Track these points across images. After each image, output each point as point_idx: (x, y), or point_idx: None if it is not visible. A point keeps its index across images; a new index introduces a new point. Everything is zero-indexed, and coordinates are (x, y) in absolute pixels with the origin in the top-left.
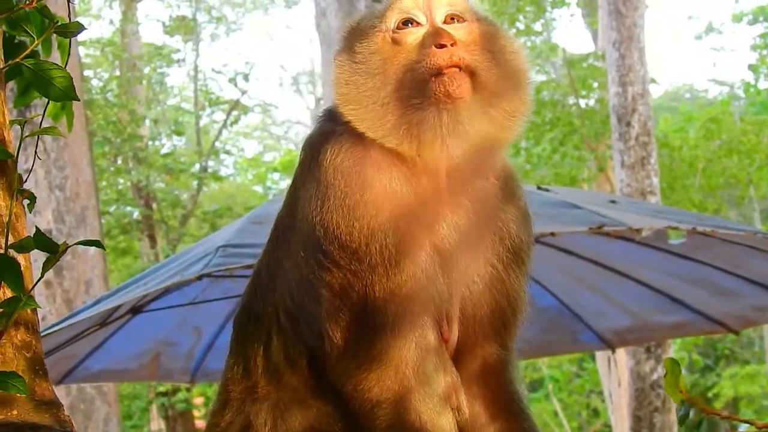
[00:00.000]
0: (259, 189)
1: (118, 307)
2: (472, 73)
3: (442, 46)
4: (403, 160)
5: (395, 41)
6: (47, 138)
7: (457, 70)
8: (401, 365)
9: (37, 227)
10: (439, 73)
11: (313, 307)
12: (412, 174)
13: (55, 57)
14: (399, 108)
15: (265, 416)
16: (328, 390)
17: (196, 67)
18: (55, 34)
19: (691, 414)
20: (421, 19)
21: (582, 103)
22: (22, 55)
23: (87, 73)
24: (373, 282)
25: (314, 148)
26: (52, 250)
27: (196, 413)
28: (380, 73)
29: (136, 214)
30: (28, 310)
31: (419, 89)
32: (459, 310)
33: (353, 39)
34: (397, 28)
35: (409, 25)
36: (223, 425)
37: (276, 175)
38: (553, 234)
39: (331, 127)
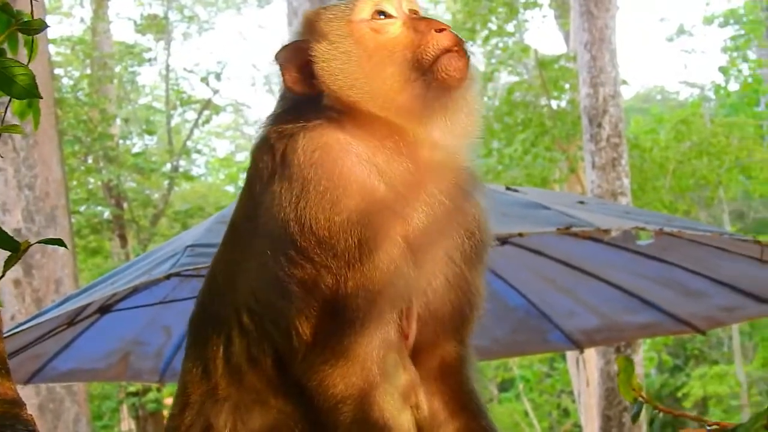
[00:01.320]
0: (230, 189)
1: (87, 306)
2: (467, 58)
3: (442, 30)
4: (383, 150)
5: (375, 30)
6: (17, 137)
7: (461, 50)
8: (367, 361)
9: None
10: (445, 51)
11: (282, 304)
12: (392, 167)
13: (23, 55)
14: (401, 88)
15: (225, 418)
16: (291, 390)
17: (167, 66)
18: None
19: (646, 412)
20: (392, 11)
21: (553, 104)
22: None
23: (58, 71)
24: (347, 277)
25: (279, 149)
26: (14, 248)
27: (166, 413)
28: (373, 59)
29: (106, 214)
30: None
31: (421, 70)
32: (420, 306)
33: (328, 29)
34: (372, 18)
35: (382, 16)
36: (183, 428)
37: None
38: (521, 234)
39: (293, 128)
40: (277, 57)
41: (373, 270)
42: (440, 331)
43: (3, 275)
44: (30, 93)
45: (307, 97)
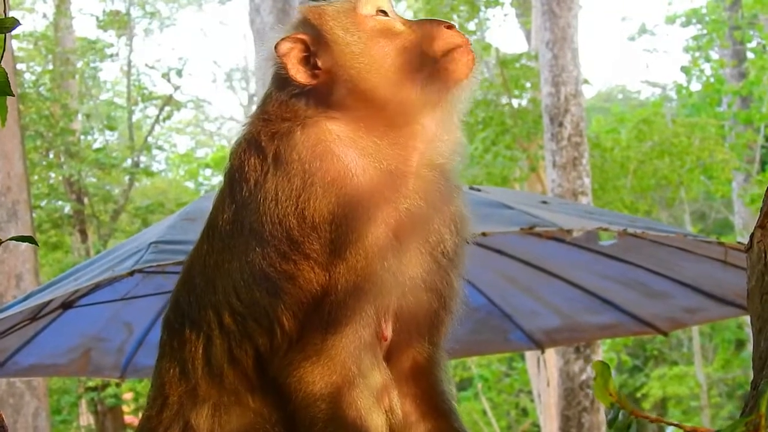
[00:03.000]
0: (190, 185)
1: (49, 302)
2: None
3: (451, 27)
4: (382, 144)
5: (382, 24)
6: None
7: (469, 46)
8: (348, 360)
9: None
10: (456, 47)
11: (268, 300)
12: (389, 161)
13: None
14: (410, 79)
15: (205, 419)
16: (269, 391)
17: (129, 62)
18: None
19: (620, 416)
20: (389, 11)
21: (515, 102)
22: None
23: (20, 66)
24: (339, 274)
25: (271, 149)
26: None
27: (125, 408)
28: (383, 50)
29: (67, 209)
30: None
31: (432, 62)
32: (397, 306)
33: (334, 22)
34: (376, 14)
35: (383, 14)
36: (162, 429)
37: (208, 171)
38: (484, 234)
39: (288, 126)
40: (277, 49)
41: (365, 265)
42: (414, 333)
43: None
44: (3, 91)
45: (300, 91)
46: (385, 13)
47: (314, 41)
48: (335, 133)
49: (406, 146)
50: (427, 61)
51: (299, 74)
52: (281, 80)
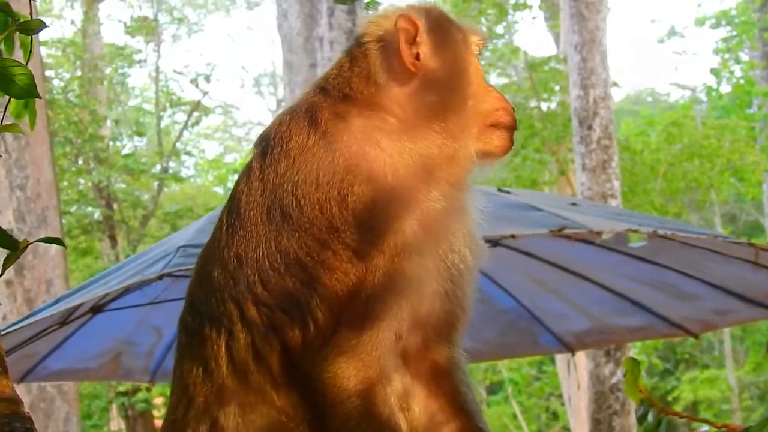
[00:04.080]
0: (219, 190)
1: (79, 306)
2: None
3: (509, 108)
4: (422, 154)
5: (479, 67)
6: (8, 137)
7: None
8: (383, 356)
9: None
10: (505, 127)
11: (301, 292)
12: (425, 167)
13: (18, 56)
14: (468, 120)
15: (232, 418)
16: (294, 388)
17: (157, 68)
18: (17, 33)
19: (650, 415)
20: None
21: (543, 106)
22: None
23: (48, 73)
24: (377, 267)
25: (324, 125)
26: (13, 247)
27: (156, 413)
28: (466, 82)
29: (97, 215)
30: None
31: (484, 122)
32: (416, 307)
33: (450, 32)
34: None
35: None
36: (189, 430)
37: (236, 177)
38: (513, 236)
39: (347, 107)
40: (398, 21)
41: (402, 261)
42: (432, 334)
43: (3, 273)
44: (29, 93)
45: (372, 74)
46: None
47: (427, 34)
48: (390, 128)
49: (442, 165)
50: (483, 119)
51: (407, 54)
52: (359, 56)
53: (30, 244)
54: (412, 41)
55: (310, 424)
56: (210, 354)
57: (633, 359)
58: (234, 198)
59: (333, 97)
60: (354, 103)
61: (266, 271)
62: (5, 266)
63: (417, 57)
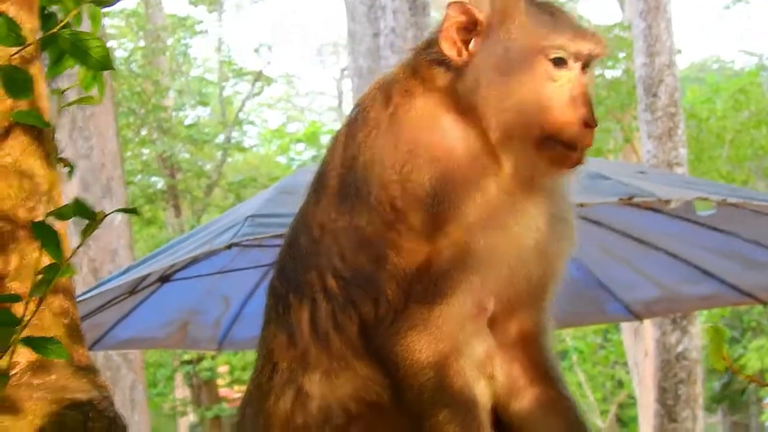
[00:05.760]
0: (282, 160)
1: (147, 276)
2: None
3: (590, 127)
4: (478, 139)
5: (543, 73)
6: (73, 108)
7: (584, 155)
8: (454, 329)
9: (76, 196)
10: (577, 149)
11: (372, 268)
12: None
13: (85, 27)
14: (524, 133)
15: (317, 384)
16: (375, 356)
17: (219, 38)
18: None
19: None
20: (570, 62)
21: (608, 73)
22: (60, 25)
23: (111, 43)
24: (442, 246)
25: (396, 103)
26: (91, 217)
27: (220, 381)
28: (524, 91)
29: (161, 184)
30: (66, 278)
31: (549, 139)
32: (502, 273)
33: (513, 30)
34: (548, 59)
35: (560, 64)
36: (274, 396)
37: (300, 146)
38: (582, 205)
39: (415, 86)
40: (448, 10)
41: (468, 240)
42: (520, 300)
43: (82, 243)
44: (104, 65)
45: (443, 58)
46: (561, 63)
47: (486, 24)
48: (451, 112)
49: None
50: (548, 135)
51: (446, 43)
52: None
53: (107, 215)
54: (471, 29)
55: (394, 391)
56: (294, 320)
57: (717, 327)
58: (323, 162)
59: (410, 73)
60: (423, 81)
61: (344, 243)
62: (84, 236)
63: (468, 43)
